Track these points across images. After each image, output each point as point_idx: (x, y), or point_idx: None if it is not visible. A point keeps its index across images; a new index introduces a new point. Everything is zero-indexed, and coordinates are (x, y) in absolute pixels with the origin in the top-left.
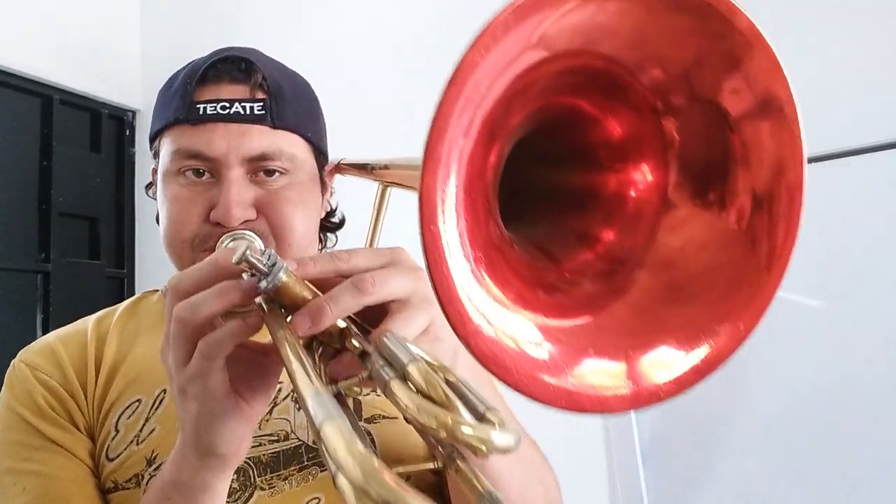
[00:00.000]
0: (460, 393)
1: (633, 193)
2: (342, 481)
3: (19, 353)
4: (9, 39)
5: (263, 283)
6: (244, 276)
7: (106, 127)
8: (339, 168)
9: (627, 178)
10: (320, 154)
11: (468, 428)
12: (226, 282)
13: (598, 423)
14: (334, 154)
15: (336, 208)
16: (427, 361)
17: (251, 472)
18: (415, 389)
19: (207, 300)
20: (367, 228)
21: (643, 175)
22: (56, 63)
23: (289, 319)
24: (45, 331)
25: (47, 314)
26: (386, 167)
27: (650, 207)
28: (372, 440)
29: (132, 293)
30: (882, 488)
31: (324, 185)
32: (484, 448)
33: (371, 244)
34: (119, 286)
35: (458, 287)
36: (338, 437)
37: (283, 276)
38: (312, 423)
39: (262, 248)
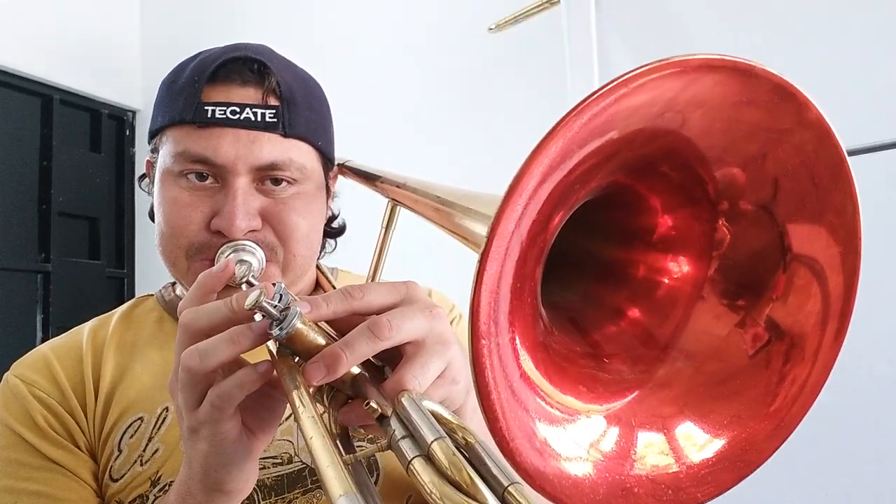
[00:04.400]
0: (480, 461)
1: (666, 280)
2: None
3: (12, 366)
4: (9, 39)
5: (276, 331)
6: (256, 316)
7: (106, 127)
8: (342, 170)
9: (664, 265)
10: (328, 161)
11: None
12: (237, 328)
13: None
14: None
15: (338, 214)
16: (448, 424)
17: (256, 496)
18: (438, 472)
19: (217, 348)
20: (366, 232)
21: (680, 266)
22: (56, 63)
23: (296, 360)
24: (45, 331)
25: (47, 314)
26: (398, 186)
27: (683, 296)
28: (375, 462)
29: (132, 293)
30: (883, 489)
31: (328, 192)
32: None
33: (378, 261)
34: (119, 286)
35: (503, 404)
36: None
37: (297, 324)
38: None
39: (274, 290)
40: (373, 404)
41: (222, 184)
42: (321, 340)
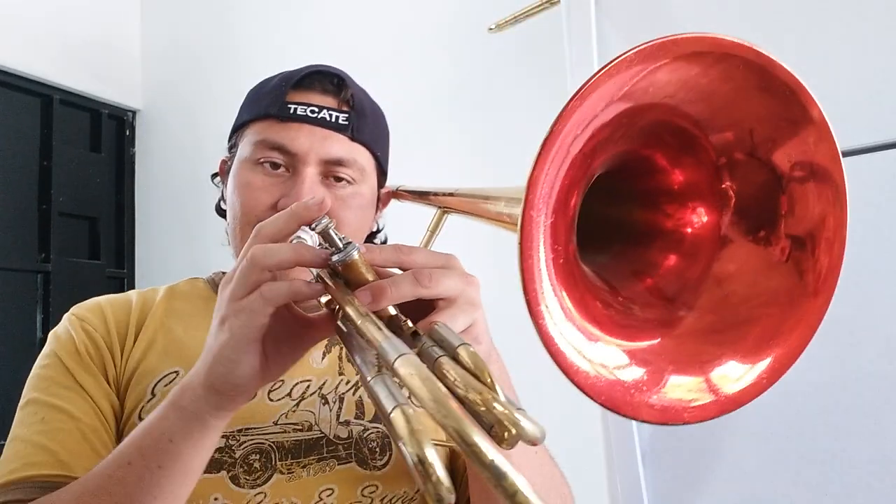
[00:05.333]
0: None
1: (689, 230)
2: (397, 416)
3: (72, 308)
4: (9, 39)
5: (336, 257)
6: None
7: (106, 127)
8: (397, 194)
9: (686, 219)
10: (382, 174)
11: (503, 408)
12: (301, 243)
13: (598, 423)
14: None
15: (382, 228)
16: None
17: (273, 455)
18: (463, 367)
19: (282, 250)
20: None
21: (699, 217)
22: (56, 63)
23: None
24: (45, 331)
25: (47, 314)
26: (451, 194)
27: (706, 243)
28: (389, 444)
29: None
30: (882, 489)
31: (377, 205)
32: (514, 430)
33: None
34: (119, 286)
35: (536, 269)
36: (411, 369)
37: (354, 254)
38: (387, 362)
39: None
40: (409, 323)
41: (293, 172)
42: (371, 277)
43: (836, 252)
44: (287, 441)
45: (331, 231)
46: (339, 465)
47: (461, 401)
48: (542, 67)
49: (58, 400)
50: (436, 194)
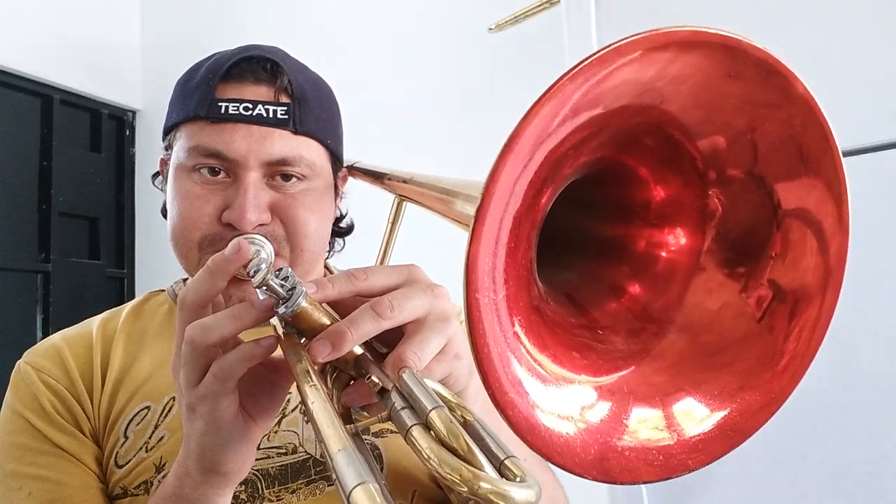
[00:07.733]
0: (478, 437)
1: (664, 254)
2: None
3: (24, 354)
4: (9, 39)
5: (282, 309)
6: (258, 293)
7: (106, 127)
8: (351, 171)
9: (662, 239)
10: (336, 161)
11: (488, 484)
12: (239, 304)
13: None
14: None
15: (346, 214)
16: (447, 402)
17: (259, 485)
18: (436, 438)
19: (220, 323)
20: (373, 234)
21: (677, 238)
22: (56, 63)
23: (303, 341)
24: (45, 331)
25: (47, 314)
26: (405, 181)
27: (682, 268)
28: (379, 455)
29: (132, 293)
30: (883, 490)
31: (336, 191)
32: None
33: (384, 256)
34: (119, 286)
35: (496, 357)
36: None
37: (302, 302)
38: (340, 483)
39: (279, 266)
40: (374, 378)
41: (234, 178)
42: (326, 321)
43: (813, 341)
44: (272, 467)
45: (270, 281)
46: (329, 485)
47: (436, 480)
48: (542, 67)
49: (40, 469)
50: (391, 178)
